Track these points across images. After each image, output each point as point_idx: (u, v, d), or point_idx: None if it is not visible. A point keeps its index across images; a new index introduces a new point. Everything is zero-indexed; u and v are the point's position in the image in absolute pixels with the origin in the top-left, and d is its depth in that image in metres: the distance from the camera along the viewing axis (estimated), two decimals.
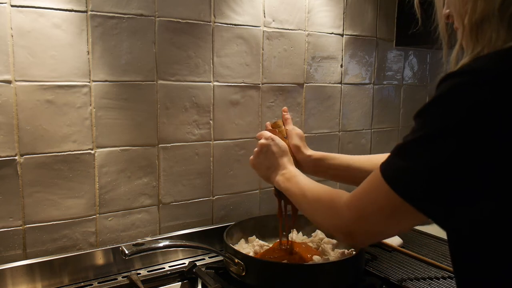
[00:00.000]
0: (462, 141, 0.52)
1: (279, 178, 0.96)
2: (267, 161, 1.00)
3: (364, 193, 0.68)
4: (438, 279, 1.13)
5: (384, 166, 0.63)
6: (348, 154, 1.09)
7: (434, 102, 0.56)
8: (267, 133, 1.03)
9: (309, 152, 1.08)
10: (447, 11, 0.67)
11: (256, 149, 1.02)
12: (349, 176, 1.06)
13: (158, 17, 1.19)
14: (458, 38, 0.65)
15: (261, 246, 1.21)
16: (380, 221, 0.66)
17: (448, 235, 0.64)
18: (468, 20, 0.60)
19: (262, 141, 1.02)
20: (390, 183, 0.60)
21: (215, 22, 1.29)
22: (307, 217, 0.89)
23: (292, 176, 0.95)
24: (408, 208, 0.59)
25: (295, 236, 1.30)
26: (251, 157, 1.04)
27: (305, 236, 1.30)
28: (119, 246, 0.97)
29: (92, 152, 1.15)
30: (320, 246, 1.20)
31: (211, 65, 1.30)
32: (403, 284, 1.10)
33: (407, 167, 0.59)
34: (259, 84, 1.41)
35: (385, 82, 1.76)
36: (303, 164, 1.07)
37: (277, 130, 1.08)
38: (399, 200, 0.59)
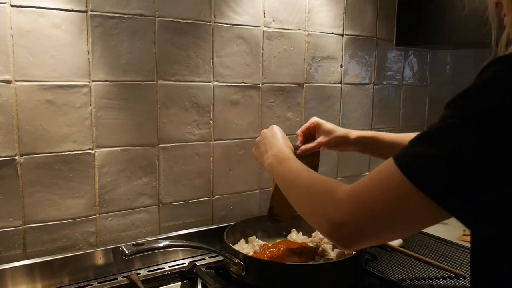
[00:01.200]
0: (494, 130, 0.48)
1: (271, 160, 0.90)
2: (262, 147, 0.98)
3: (370, 182, 0.59)
4: (438, 279, 1.13)
5: (399, 153, 0.57)
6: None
7: (472, 88, 0.51)
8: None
9: (353, 134, 1.08)
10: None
11: (256, 139, 1.03)
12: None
13: (158, 17, 1.19)
14: (506, 25, 0.61)
15: (261, 246, 1.21)
16: (385, 214, 0.57)
17: (469, 229, 0.58)
18: None
19: (263, 130, 1.03)
20: (404, 171, 0.54)
21: (215, 22, 1.29)
22: (294, 205, 0.78)
23: (285, 159, 0.88)
24: (423, 201, 0.52)
25: (295, 236, 1.30)
26: (254, 148, 1.03)
27: (305, 236, 1.30)
28: (119, 246, 0.97)
29: (92, 152, 1.15)
30: (320, 246, 1.20)
31: (211, 65, 1.30)
32: (403, 284, 1.10)
33: (426, 154, 0.53)
34: (259, 84, 1.41)
35: (385, 82, 1.76)
36: (354, 145, 1.08)
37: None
38: (413, 191, 0.53)
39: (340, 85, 1.62)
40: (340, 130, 1.10)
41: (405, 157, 0.56)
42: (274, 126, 1.03)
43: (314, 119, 1.12)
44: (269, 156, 0.92)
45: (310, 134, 1.12)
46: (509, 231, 0.52)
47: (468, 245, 1.28)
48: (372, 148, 1.09)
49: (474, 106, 0.50)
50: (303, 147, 1.08)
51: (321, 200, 0.67)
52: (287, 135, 1.03)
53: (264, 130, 1.03)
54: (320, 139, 1.09)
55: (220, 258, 1.19)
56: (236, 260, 1.06)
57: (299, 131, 1.12)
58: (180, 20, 1.23)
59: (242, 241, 1.26)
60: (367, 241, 0.62)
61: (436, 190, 0.52)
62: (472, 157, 0.49)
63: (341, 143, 1.09)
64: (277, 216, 1.11)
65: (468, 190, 0.50)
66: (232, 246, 1.12)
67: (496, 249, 0.55)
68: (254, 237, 1.27)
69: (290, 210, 1.10)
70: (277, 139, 0.97)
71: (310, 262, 1.11)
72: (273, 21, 1.40)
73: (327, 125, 1.10)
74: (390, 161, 0.57)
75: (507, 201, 0.50)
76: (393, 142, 1.06)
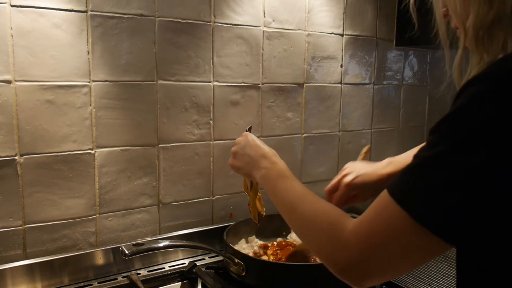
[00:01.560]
0: (486, 155, 0.47)
1: (266, 173, 0.83)
2: (246, 157, 0.89)
3: (373, 220, 0.58)
4: (438, 279, 1.13)
5: (394, 186, 0.55)
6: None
7: (454, 112, 0.50)
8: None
9: (387, 169, 0.95)
10: (444, 9, 0.62)
11: (232, 148, 0.94)
12: None
13: (158, 17, 1.19)
14: (460, 41, 0.60)
15: (261, 246, 1.21)
16: (392, 252, 0.56)
17: (459, 251, 0.58)
18: (472, 25, 0.55)
19: (238, 139, 0.95)
20: (402, 205, 0.53)
21: (215, 22, 1.29)
22: (295, 230, 0.75)
23: (283, 176, 0.81)
24: (425, 235, 0.51)
25: (295, 236, 1.30)
26: (229, 159, 0.94)
27: None
28: (119, 246, 0.97)
29: (92, 152, 1.15)
30: None
31: (211, 65, 1.30)
32: (403, 284, 1.10)
33: (419, 185, 0.52)
34: (259, 84, 1.41)
35: (385, 82, 1.76)
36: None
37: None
38: (415, 226, 0.52)
39: (340, 85, 1.62)
40: (371, 173, 0.97)
41: (400, 190, 0.54)
42: (248, 133, 0.95)
43: (348, 170, 0.99)
44: (262, 167, 0.85)
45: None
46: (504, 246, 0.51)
47: None
48: None
49: (456, 132, 0.50)
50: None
51: (326, 238, 0.64)
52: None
53: (239, 138, 0.94)
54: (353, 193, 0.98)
55: (220, 258, 1.19)
56: (236, 260, 1.06)
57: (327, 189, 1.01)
58: (180, 20, 1.23)
59: (242, 241, 1.26)
60: (377, 279, 0.61)
61: (434, 222, 0.51)
62: (467, 183, 0.49)
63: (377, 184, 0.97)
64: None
65: (463, 218, 0.50)
66: (232, 246, 1.12)
67: (484, 264, 0.54)
68: (254, 237, 1.27)
69: (255, 211, 1.10)
70: (262, 150, 0.88)
71: (310, 262, 1.11)
72: (273, 21, 1.40)
73: (358, 171, 0.98)
74: (386, 196, 0.56)
75: (505, 217, 0.49)
76: None
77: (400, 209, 0.53)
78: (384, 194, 0.56)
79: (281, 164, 0.85)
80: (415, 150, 0.94)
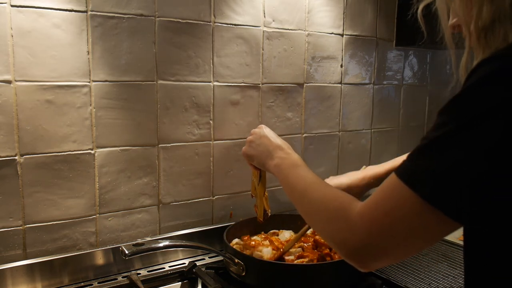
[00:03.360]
0: (496, 133, 0.47)
1: (280, 162, 0.88)
2: (261, 146, 0.96)
3: (381, 201, 0.58)
4: (438, 279, 1.13)
5: (403, 168, 0.56)
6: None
7: (464, 92, 0.51)
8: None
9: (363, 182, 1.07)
10: (454, 20, 0.63)
11: (248, 137, 1.01)
12: None
13: (158, 17, 1.19)
14: (466, 45, 0.61)
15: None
16: (400, 234, 0.57)
17: (466, 232, 0.57)
18: (474, 26, 0.56)
19: (254, 130, 1.02)
20: (410, 185, 0.54)
21: (215, 22, 1.29)
22: (304, 215, 0.77)
23: (296, 164, 0.85)
24: (434, 214, 0.52)
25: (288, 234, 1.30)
26: (244, 147, 1.02)
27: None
28: (119, 246, 0.97)
29: (92, 152, 1.15)
30: None
31: (211, 65, 1.30)
32: (403, 284, 1.10)
33: (429, 165, 0.52)
34: (259, 84, 1.41)
35: (385, 82, 1.76)
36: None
37: None
38: (424, 205, 0.52)
39: (340, 85, 1.62)
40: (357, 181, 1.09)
41: (408, 172, 0.55)
42: (263, 126, 1.01)
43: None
44: (276, 157, 0.90)
45: None
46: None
47: None
48: None
49: (468, 110, 0.50)
50: None
51: (334, 222, 0.66)
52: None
53: (255, 129, 1.01)
54: None
55: (220, 258, 1.19)
56: (236, 260, 1.06)
57: None
58: (180, 20, 1.23)
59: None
60: (384, 261, 0.62)
61: (445, 202, 0.52)
62: (474, 163, 0.49)
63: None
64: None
65: (476, 197, 0.50)
66: (232, 246, 1.12)
67: (493, 246, 0.54)
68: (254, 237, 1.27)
69: (261, 209, 1.10)
70: (278, 141, 0.95)
71: (311, 262, 1.11)
72: (273, 21, 1.40)
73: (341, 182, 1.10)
74: (394, 178, 0.56)
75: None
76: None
77: (408, 189, 0.53)
78: (392, 177, 0.57)
79: (295, 155, 0.89)
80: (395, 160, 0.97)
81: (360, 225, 0.60)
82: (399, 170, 0.56)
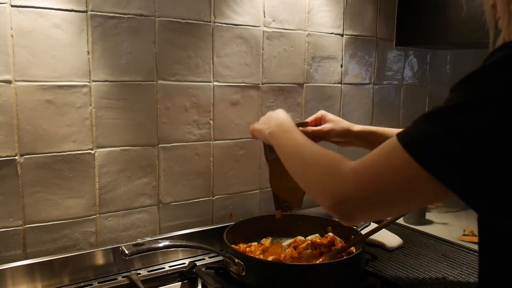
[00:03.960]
0: (498, 112, 0.48)
1: (274, 130, 0.92)
2: (266, 119, 0.99)
3: (376, 159, 0.61)
4: (438, 279, 1.13)
5: (403, 132, 0.58)
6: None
7: (478, 71, 0.51)
8: None
9: (357, 127, 1.12)
10: (492, 0, 0.64)
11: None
12: None
13: (158, 17, 1.19)
14: (501, 27, 0.61)
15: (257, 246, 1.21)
16: (390, 192, 0.59)
17: (481, 232, 0.58)
18: (506, 8, 0.57)
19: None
20: (408, 149, 0.55)
21: (215, 22, 1.29)
22: (295, 176, 0.79)
23: (288, 130, 0.89)
24: (426, 179, 0.53)
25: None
26: (256, 123, 1.03)
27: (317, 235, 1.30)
28: (119, 246, 0.97)
29: (92, 152, 1.15)
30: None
31: (211, 65, 1.30)
32: (403, 284, 1.10)
33: (430, 133, 0.53)
34: (259, 84, 1.41)
35: (385, 82, 1.76)
36: (357, 138, 1.11)
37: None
38: (418, 169, 0.53)
39: (340, 85, 1.62)
40: (345, 122, 1.14)
41: (409, 136, 0.56)
42: (281, 109, 1.04)
43: (321, 111, 1.16)
44: (272, 126, 0.94)
45: (317, 125, 1.15)
46: None
47: (468, 245, 1.29)
48: (373, 142, 1.10)
49: (480, 88, 0.51)
50: (311, 128, 1.11)
51: (325, 174, 0.69)
52: None
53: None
54: (326, 125, 1.12)
55: (220, 258, 1.19)
56: (236, 260, 1.06)
57: (308, 120, 1.16)
58: (180, 20, 1.23)
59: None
60: (368, 216, 0.65)
61: (439, 168, 0.53)
62: (475, 136, 0.49)
63: (345, 134, 1.12)
64: (286, 202, 1.12)
65: (470, 168, 0.50)
66: (232, 246, 1.12)
67: (503, 235, 0.54)
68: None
69: (298, 192, 1.11)
70: (281, 115, 0.98)
71: (311, 262, 1.11)
72: (273, 21, 1.40)
73: (333, 116, 1.15)
74: (394, 140, 0.58)
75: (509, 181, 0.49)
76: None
77: (404, 151, 0.55)
78: (392, 139, 0.59)
79: (289, 123, 0.92)
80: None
81: (353, 178, 0.62)
82: (400, 133, 0.58)
